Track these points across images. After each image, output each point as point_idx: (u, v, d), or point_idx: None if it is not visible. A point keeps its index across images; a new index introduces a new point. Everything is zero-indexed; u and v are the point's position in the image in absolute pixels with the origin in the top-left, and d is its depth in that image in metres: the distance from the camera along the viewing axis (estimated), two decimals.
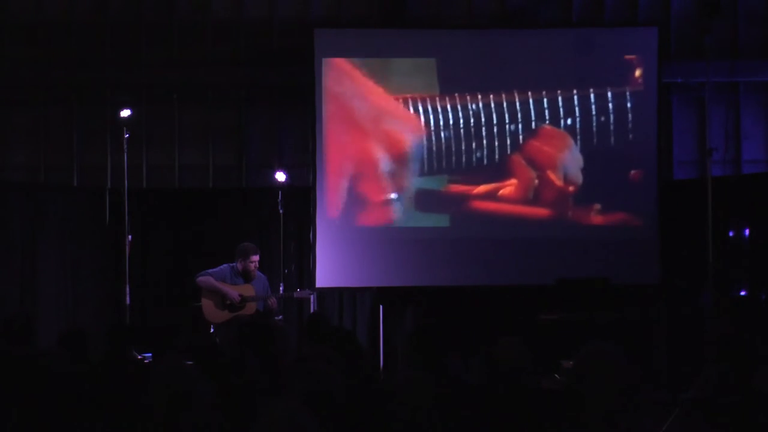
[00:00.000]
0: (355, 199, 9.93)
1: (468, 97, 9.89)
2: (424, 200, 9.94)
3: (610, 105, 9.91)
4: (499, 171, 9.96)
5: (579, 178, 9.92)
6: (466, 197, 9.95)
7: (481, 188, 9.95)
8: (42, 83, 10.64)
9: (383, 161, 9.95)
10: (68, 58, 10.64)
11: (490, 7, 10.72)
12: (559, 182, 9.94)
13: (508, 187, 9.94)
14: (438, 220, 9.95)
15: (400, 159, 9.95)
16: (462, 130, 9.92)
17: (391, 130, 9.95)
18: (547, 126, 9.91)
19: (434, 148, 9.93)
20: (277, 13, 10.72)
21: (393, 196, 9.94)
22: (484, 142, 9.92)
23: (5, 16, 10.68)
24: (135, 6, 10.72)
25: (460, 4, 10.71)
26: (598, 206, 9.92)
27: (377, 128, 9.94)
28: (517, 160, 9.94)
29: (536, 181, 9.92)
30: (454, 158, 9.93)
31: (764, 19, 10.76)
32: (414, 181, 9.94)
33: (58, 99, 10.67)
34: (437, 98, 9.91)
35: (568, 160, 9.94)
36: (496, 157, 9.94)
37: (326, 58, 9.94)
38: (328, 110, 9.91)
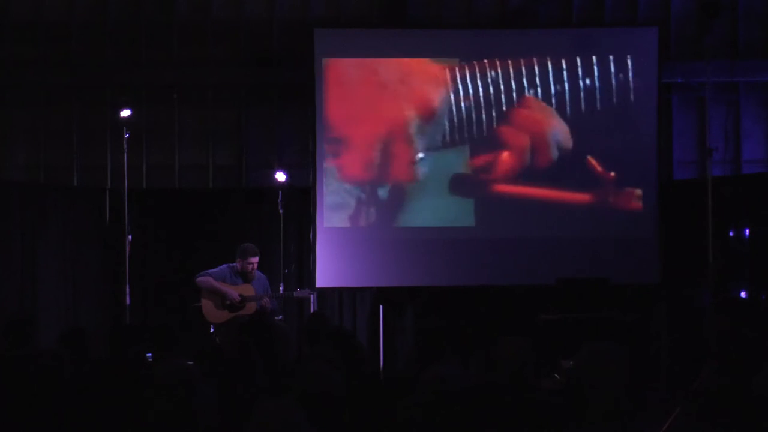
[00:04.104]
0: (356, 199, 9.93)
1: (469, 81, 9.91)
2: (425, 198, 9.95)
3: (610, 105, 9.92)
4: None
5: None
6: (471, 191, 9.96)
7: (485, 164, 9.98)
8: (42, 83, 10.64)
9: (382, 159, 9.95)
10: (68, 58, 10.64)
11: (490, 7, 10.71)
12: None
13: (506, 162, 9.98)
14: (440, 220, 9.95)
15: (401, 157, 9.96)
16: (474, 113, 9.94)
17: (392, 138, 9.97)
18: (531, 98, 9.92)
19: (440, 138, 9.95)
20: (277, 13, 10.71)
21: (392, 195, 9.95)
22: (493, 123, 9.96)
23: (5, 16, 10.67)
24: (135, 6, 10.71)
25: (460, 4, 10.71)
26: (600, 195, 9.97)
27: (377, 126, 9.96)
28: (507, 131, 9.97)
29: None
30: (467, 139, 9.95)
31: (764, 19, 10.76)
32: (415, 178, 9.95)
33: (58, 99, 10.67)
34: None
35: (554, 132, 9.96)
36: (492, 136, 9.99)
37: (326, 58, 9.94)
38: (328, 108, 9.91)
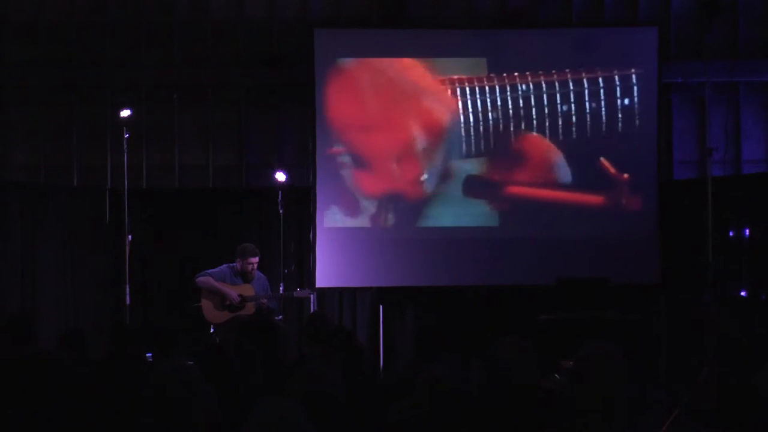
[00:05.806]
0: (355, 199, 9.93)
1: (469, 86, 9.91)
2: (426, 198, 9.96)
3: (609, 104, 9.92)
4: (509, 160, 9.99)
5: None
6: (476, 192, 9.95)
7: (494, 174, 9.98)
8: (42, 83, 10.64)
9: (383, 160, 9.95)
10: (68, 58, 10.65)
11: (490, 8, 10.72)
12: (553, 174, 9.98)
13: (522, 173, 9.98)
14: (441, 220, 9.95)
15: (403, 159, 9.95)
16: (463, 122, 9.93)
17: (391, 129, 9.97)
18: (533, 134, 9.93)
19: (440, 139, 9.95)
20: (277, 13, 10.72)
21: (393, 194, 9.95)
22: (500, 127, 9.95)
23: (5, 16, 10.68)
24: (135, 6, 10.72)
25: (460, 4, 10.71)
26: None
27: (378, 126, 9.96)
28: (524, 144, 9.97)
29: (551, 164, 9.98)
30: (464, 146, 9.94)
31: (764, 19, 10.76)
32: (417, 178, 9.95)
33: (58, 99, 10.68)
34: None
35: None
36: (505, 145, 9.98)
37: (326, 58, 9.94)
38: (328, 108, 9.91)
